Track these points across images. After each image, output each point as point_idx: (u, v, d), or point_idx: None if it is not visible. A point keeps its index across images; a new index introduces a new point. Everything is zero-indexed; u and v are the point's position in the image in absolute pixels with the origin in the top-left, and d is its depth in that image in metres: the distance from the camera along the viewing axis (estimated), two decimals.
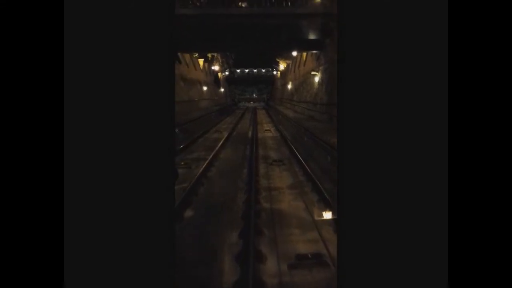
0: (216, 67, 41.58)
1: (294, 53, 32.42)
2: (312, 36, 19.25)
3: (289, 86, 35.32)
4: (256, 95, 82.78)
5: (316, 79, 20.62)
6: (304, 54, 25.77)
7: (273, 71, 64.65)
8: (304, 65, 25.94)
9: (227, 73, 62.47)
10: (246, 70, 70.91)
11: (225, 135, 16.83)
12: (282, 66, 50.01)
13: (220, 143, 13.74)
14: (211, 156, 11.13)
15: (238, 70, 69.04)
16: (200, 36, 19.55)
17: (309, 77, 23.24)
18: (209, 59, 34.13)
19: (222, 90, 49.50)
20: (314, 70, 21.09)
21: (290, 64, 35.51)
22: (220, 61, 35.79)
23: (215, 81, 42.06)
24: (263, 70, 70.12)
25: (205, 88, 35.63)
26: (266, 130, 20.53)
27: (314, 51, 21.22)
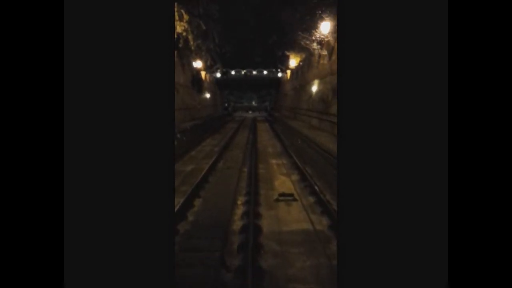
0: (198, 64, 26.79)
1: (326, 28, 17.51)
2: None
3: (315, 89, 20.38)
4: (255, 103, 68.17)
5: None
6: None
7: (277, 72, 50.01)
8: None
9: (218, 74, 47.57)
10: (243, 71, 55.51)
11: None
12: (293, 62, 35.15)
13: None
14: None
15: (233, 72, 53.88)
16: None
17: None
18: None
19: (208, 96, 34.57)
20: None
21: (317, 50, 20.36)
22: (194, 44, 20.71)
23: (194, 83, 27.16)
24: (265, 72, 54.94)
25: None
26: (289, 208, 6.62)
27: None
